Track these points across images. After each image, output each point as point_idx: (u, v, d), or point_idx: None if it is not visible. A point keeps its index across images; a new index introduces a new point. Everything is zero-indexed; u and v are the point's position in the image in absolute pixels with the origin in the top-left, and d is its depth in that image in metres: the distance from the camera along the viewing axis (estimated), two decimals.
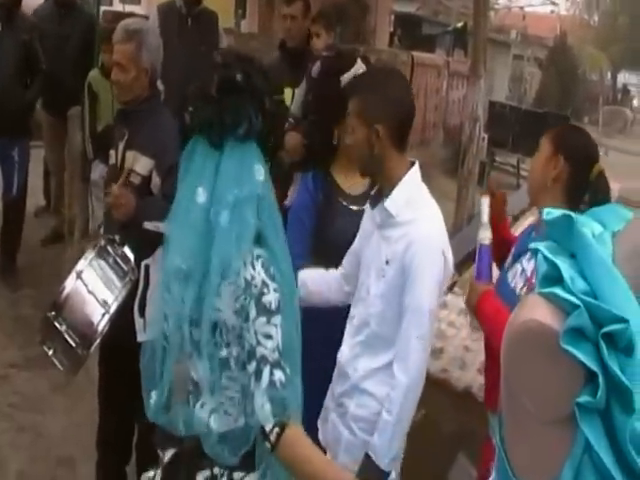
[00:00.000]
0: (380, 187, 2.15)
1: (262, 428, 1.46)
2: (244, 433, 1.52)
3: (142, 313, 2.71)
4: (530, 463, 0.95)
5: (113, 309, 2.53)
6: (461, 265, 3.48)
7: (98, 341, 2.51)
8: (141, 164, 2.65)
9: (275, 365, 1.45)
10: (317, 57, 3.89)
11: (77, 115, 4.98)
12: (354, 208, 2.54)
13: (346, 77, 2.59)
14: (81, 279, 2.52)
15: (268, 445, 1.46)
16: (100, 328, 2.49)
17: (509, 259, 2.23)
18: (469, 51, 12.22)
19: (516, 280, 2.11)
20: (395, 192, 2.05)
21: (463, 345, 3.13)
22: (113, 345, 2.64)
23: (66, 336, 2.39)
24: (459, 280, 3.40)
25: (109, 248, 2.65)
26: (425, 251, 2.00)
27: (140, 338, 2.69)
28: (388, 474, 2.02)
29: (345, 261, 2.31)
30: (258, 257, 1.50)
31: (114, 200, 2.53)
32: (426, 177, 2.17)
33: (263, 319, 1.46)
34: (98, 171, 4.08)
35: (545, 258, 0.90)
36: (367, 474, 1.97)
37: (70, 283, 2.46)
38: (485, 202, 2.32)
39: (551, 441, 0.91)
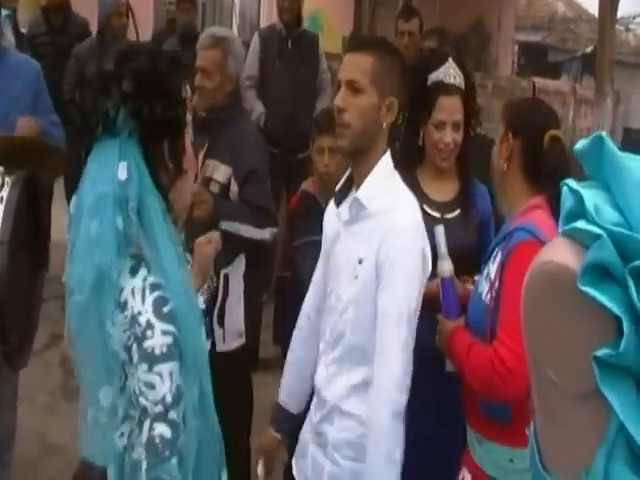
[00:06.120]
0: (350, 177, 1.89)
1: None
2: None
3: (221, 323, 2.67)
4: (560, 449, 0.76)
5: None
6: None
7: None
8: (220, 172, 2.64)
9: (157, 419, 1.26)
10: None
11: None
12: (436, 215, 2.35)
13: (434, 76, 2.44)
14: None
15: None
16: None
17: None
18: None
19: (482, 285, 1.83)
20: (367, 180, 1.79)
21: None
22: None
23: None
24: None
25: (187, 255, 2.64)
26: (402, 243, 1.72)
27: (219, 348, 2.65)
28: None
29: (312, 283, 2.07)
30: (153, 289, 1.29)
31: (194, 198, 2.51)
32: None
33: (144, 366, 1.27)
34: None
35: (570, 190, 0.73)
36: None
37: None
38: (440, 231, 2.03)
39: (582, 421, 0.72)
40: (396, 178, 1.86)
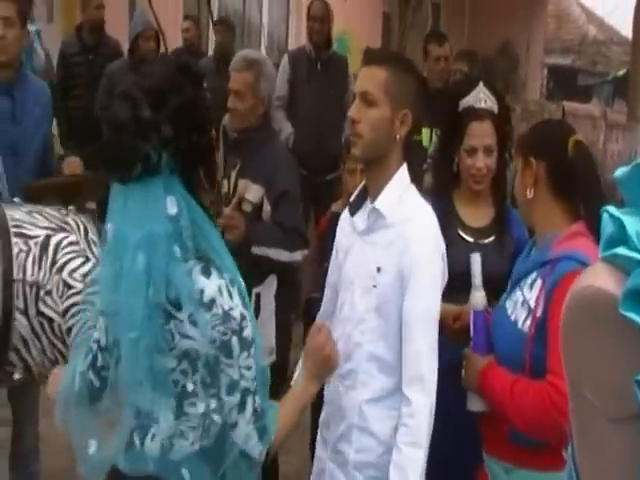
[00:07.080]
0: (365, 187, 1.92)
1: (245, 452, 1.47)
2: (216, 456, 1.47)
3: None
4: (598, 477, 0.76)
5: None
6: None
7: None
8: (252, 192, 2.66)
9: (255, 393, 1.46)
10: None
11: None
12: (470, 240, 2.35)
13: (465, 101, 2.46)
14: None
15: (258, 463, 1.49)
16: None
17: (508, 286, 1.90)
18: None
19: (517, 312, 1.78)
20: (385, 191, 1.83)
21: None
22: None
23: None
24: None
25: None
26: (427, 252, 1.78)
27: None
28: None
29: (325, 300, 2.09)
30: (233, 284, 1.42)
31: (226, 221, 2.54)
32: None
33: (245, 354, 1.44)
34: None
35: (611, 216, 0.73)
36: None
37: None
38: (477, 260, 1.98)
39: (621, 447, 0.72)
40: (412, 190, 1.89)
